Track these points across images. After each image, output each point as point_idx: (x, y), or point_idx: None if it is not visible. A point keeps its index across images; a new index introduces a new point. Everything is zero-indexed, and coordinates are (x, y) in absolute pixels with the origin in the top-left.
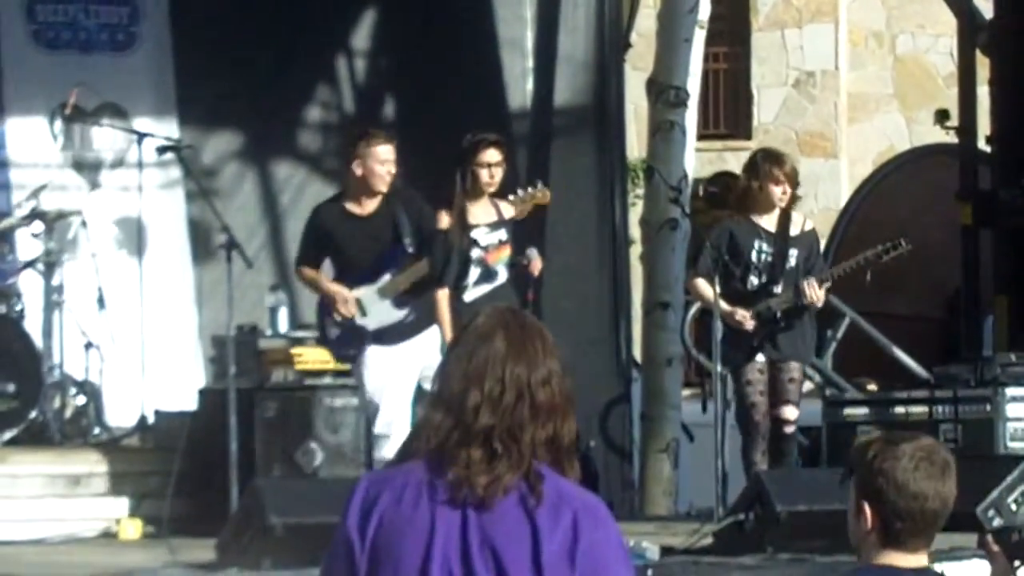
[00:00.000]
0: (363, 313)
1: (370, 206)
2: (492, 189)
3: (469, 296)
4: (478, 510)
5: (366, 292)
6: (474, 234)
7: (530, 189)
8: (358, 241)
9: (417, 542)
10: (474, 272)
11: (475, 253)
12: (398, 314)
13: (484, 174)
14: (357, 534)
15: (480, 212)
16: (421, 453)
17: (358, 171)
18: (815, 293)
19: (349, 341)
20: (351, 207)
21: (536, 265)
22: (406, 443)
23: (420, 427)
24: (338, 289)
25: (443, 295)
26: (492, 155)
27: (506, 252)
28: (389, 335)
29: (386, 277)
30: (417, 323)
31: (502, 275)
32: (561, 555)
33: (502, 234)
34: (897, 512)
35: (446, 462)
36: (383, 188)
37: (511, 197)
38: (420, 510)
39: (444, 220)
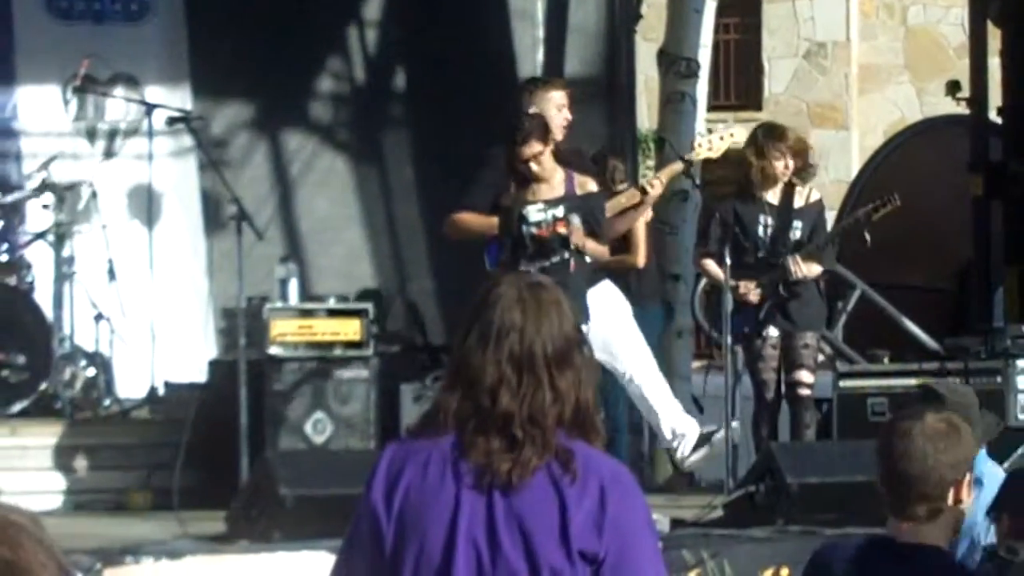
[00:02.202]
0: None
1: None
2: (543, 177)
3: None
4: (504, 490)
5: None
6: (526, 210)
7: (723, 130)
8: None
9: (442, 516)
10: (530, 248)
11: (525, 230)
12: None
13: (525, 170)
14: (383, 505)
15: (545, 188)
16: (442, 429)
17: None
18: (799, 268)
19: None
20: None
21: (575, 235)
22: (426, 416)
23: (436, 404)
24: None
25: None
26: (525, 152)
27: (562, 229)
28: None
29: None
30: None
31: (560, 253)
32: (588, 524)
33: (559, 211)
34: (881, 476)
35: (467, 447)
36: (559, 136)
37: (703, 141)
38: (445, 486)
39: (505, 195)
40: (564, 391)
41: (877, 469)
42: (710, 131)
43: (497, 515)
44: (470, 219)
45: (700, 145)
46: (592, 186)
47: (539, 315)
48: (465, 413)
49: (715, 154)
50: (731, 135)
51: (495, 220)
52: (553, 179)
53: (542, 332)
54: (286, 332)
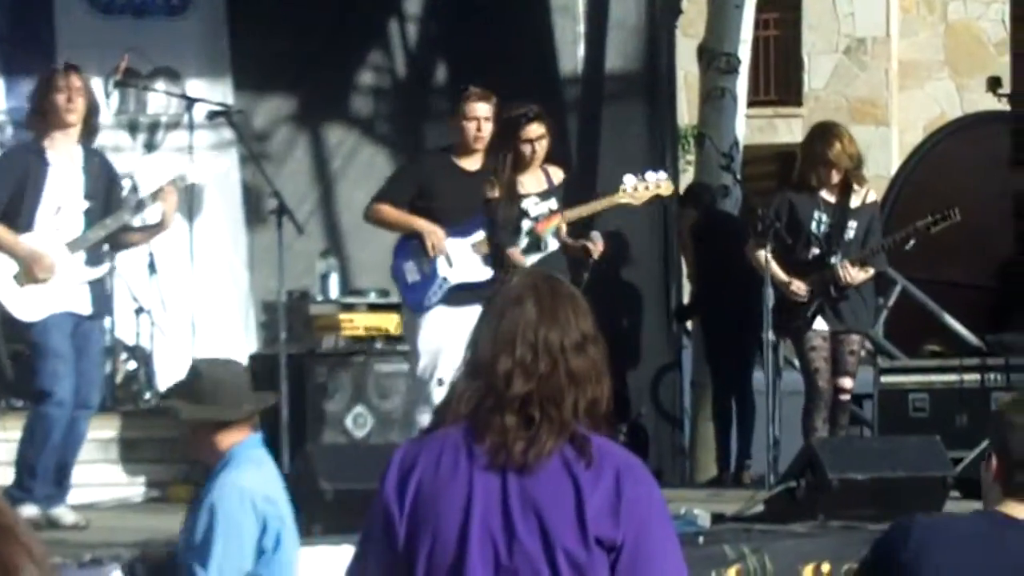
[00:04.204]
0: (449, 264)
1: (474, 164)
2: (537, 163)
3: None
4: (519, 473)
5: (456, 245)
6: (524, 204)
7: (652, 178)
8: (458, 194)
9: (455, 506)
10: (523, 242)
11: (525, 224)
12: (484, 274)
13: (527, 149)
14: (395, 502)
15: (530, 181)
16: (455, 419)
17: (459, 128)
18: (848, 275)
19: (426, 289)
20: (458, 161)
21: (598, 248)
22: (439, 409)
23: (452, 393)
24: (431, 225)
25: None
26: (534, 130)
27: (556, 221)
28: (465, 295)
29: (480, 234)
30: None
31: (552, 244)
32: (604, 510)
33: (552, 203)
34: (1019, 462)
35: (481, 428)
36: (478, 146)
37: (628, 184)
38: (458, 475)
39: (492, 189)
40: (581, 378)
41: (1003, 450)
42: (642, 177)
43: (511, 499)
44: (390, 213)
45: (625, 189)
46: (561, 173)
47: (554, 307)
48: (479, 395)
49: (636, 202)
50: (658, 186)
51: (412, 219)
52: (535, 172)
53: (558, 323)
54: (326, 326)
